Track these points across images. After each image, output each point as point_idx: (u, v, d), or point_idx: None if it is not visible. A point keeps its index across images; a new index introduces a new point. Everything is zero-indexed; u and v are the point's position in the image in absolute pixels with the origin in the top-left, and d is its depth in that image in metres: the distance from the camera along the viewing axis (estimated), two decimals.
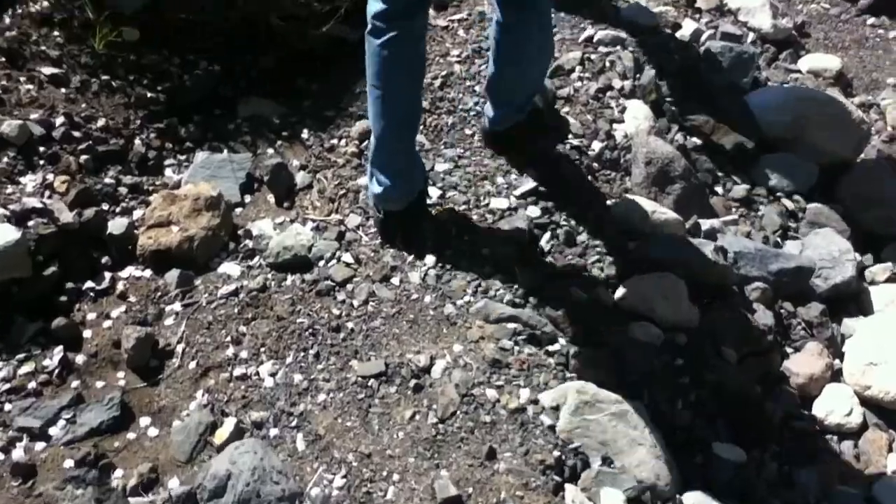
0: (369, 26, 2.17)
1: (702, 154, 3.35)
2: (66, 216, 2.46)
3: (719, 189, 3.28)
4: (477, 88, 3.26)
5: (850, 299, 3.02)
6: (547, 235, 2.71)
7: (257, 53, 3.23)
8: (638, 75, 3.44)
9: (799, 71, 4.02)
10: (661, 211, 2.85)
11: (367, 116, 2.44)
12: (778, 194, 3.35)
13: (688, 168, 3.05)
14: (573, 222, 2.77)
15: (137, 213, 2.66)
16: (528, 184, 2.83)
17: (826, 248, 3.00)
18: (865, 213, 3.33)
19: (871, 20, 4.48)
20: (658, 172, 3.00)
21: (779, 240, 3.15)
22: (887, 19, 4.50)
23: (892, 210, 3.32)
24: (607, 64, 3.44)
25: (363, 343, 2.34)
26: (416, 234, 2.51)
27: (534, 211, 2.76)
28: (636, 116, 3.22)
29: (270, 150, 2.98)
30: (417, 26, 2.20)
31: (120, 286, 2.49)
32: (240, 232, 2.69)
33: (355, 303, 2.44)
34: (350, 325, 2.38)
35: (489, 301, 2.45)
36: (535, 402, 2.23)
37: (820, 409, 2.57)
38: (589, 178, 3.00)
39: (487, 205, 2.76)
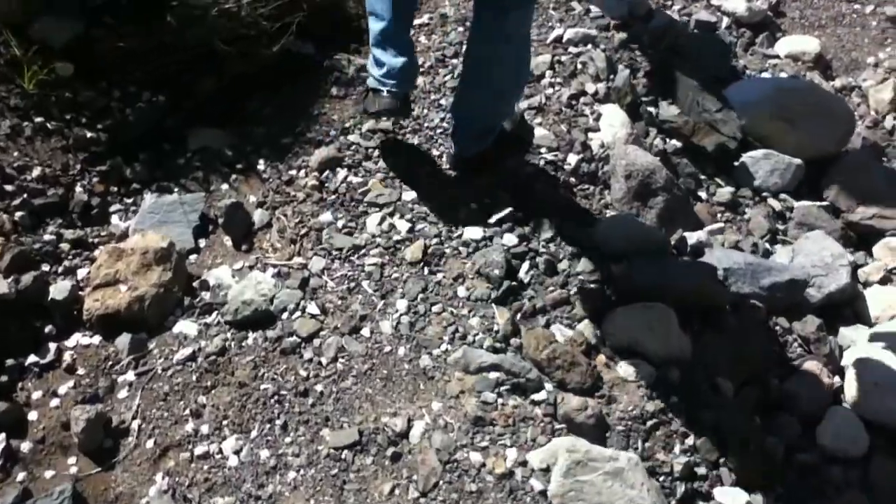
0: None
1: (682, 157, 3.15)
2: (1, 286, 2.21)
3: (703, 194, 3.08)
4: (443, 102, 3.02)
5: (846, 305, 2.83)
6: (526, 266, 2.50)
7: (204, 79, 2.94)
8: (612, 76, 3.21)
9: (777, 56, 3.81)
10: (644, 229, 2.64)
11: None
12: (764, 194, 3.16)
13: (669, 178, 2.84)
14: (553, 248, 2.56)
15: (82, 273, 2.42)
16: (503, 209, 2.61)
17: (818, 254, 2.81)
18: (855, 209, 3.13)
19: None
20: (639, 186, 2.79)
21: (768, 245, 2.96)
22: None
23: (881, 203, 3.13)
24: (579, 66, 3.21)
25: (334, 408, 2.13)
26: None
27: (510, 239, 2.54)
28: (612, 123, 3.00)
29: (225, 186, 2.73)
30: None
31: (67, 357, 2.26)
32: (195, 284, 2.45)
33: (323, 360, 2.23)
34: (319, 387, 2.16)
35: (468, 348, 2.24)
36: (524, 463, 2.03)
37: (823, 435, 2.39)
38: (566, 194, 2.77)
39: (460, 236, 2.54)
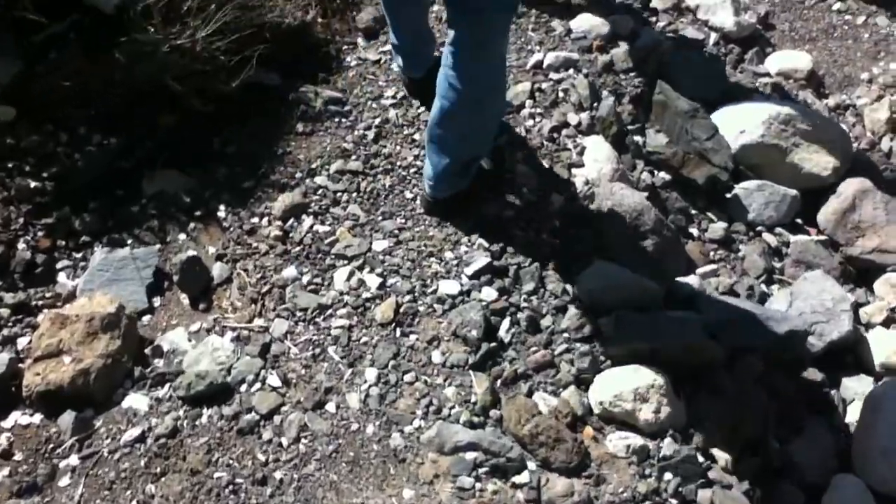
0: None
1: (672, 191, 2.92)
2: None
3: (694, 230, 2.86)
4: (417, 137, 2.79)
5: (847, 350, 2.62)
6: (506, 323, 2.27)
7: (161, 116, 2.69)
8: (595, 104, 2.97)
9: (768, 73, 3.58)
10: (633, 279, 2.42)
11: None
12: (758, 229, 2.94)
13: (659, 219, 2.62)
14: (535, 302, 2.33)
15: (23, 342, 2.18)
16: (481, 259, 2.39)
17: (818, 298, 2.60)
18: (854, 242, 2.91)
19: (836, 5, 4.05)
20: (630, 229, 2.56)
21: (764, 287, 2.75)
22: (853, 3, 4.05)
23: (881, 235, 2.92)
24: (560, 94, 2.98)
25: (295, 498, 1.90)
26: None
27: (489, 293, 2.32)
28: (597, 158, 2.77)
29: (182, 236, 2.49)
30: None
31: (3, 440, 2.02)
32: (148, 350, 2.22)
33: (284, 441, 2.00)
34: (278, 474, 1.94)
35: (443, 424, 2.02)
36: None
37: None
38: (549, 239, 2.54)
39: (435, 291, 2.32)
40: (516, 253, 2.46)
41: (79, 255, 2.44)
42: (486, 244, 2.45)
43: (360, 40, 3.24)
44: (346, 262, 2.38)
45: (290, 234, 2.46)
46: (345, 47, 3.22)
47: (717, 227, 2.88)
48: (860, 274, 2.94)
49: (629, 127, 3.04)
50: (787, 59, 3.65)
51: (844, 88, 3.69)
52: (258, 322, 2.25)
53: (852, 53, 3.84)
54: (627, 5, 3.58)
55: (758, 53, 3.69)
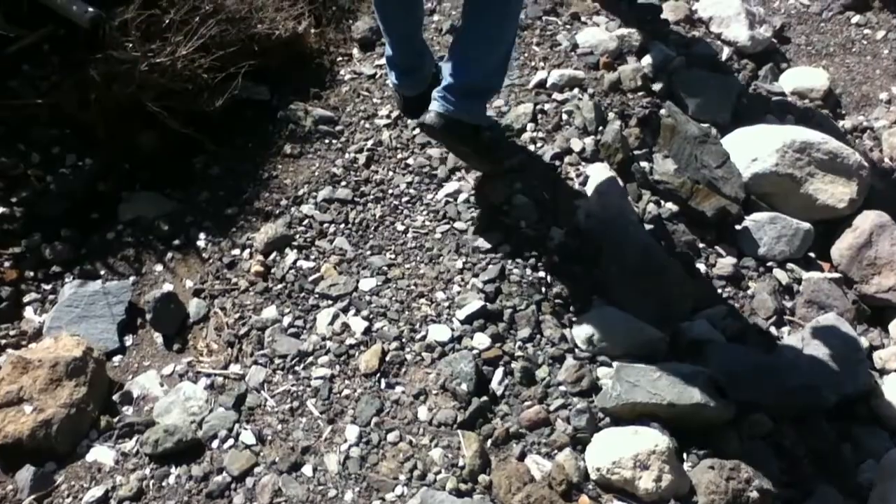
0: None
1: (679, 223, 2.72)
2: None
3: (702, 266, 2.66)
4: (410, 161, 2.60)
5: (861, 400, 2.44)
6: (499, 374, 2.10)
7: (143, 134, 2.51)
8: (600, 128, 2.77)
9: (782, 92, 3.37)
10: (635, 327, 2.24)
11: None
12: (769, 264, 2.74)
13: (664, 256, 2.43)
14: (531, 350, 2.16)
15: None
16: (474, 302, 2.21)
17: (831, 346, 2.41)
18: (869, 280, 2.72)
19: (855, 18, 3.82)
20: (632, 272, 2.39)
21: (774, 329, 2.57)
22: (873, 17, 3.83)
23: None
24: (564, 116, 2.77)
25: None
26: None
27: (481, 340, 2.14)
28: (601, 190, 2.57)
29: (159, 268, 2.32)
30: None
31: None
32: (116, 397, 2.06)
33: None
34: None
35: (427, 492, 1.85)
36: None
37: None
38: (548, 278, 2.36)
39: (424, 337, 2.14)
40: (511, 294, 2.27)
41: (48, 287, 2.27)
42: (479, 284, 2.27)
43: (355, 51, 3.05)
44: (330, 302, 2.20)
45: (272, 270, 2.28)
46: (339, 59, 3.02)
47: (726, 263, 2.69)
48: (875, 313, 2.75)
49: (635, 152, 2.84)
50: (802, 77, 3.44)
51: (862, 109, 3.48)
52: (234, 368, 2.07)
53: (871, 71, 3.63)
54: (638, 17, 3.36)
55: (772, 69, 3.49)
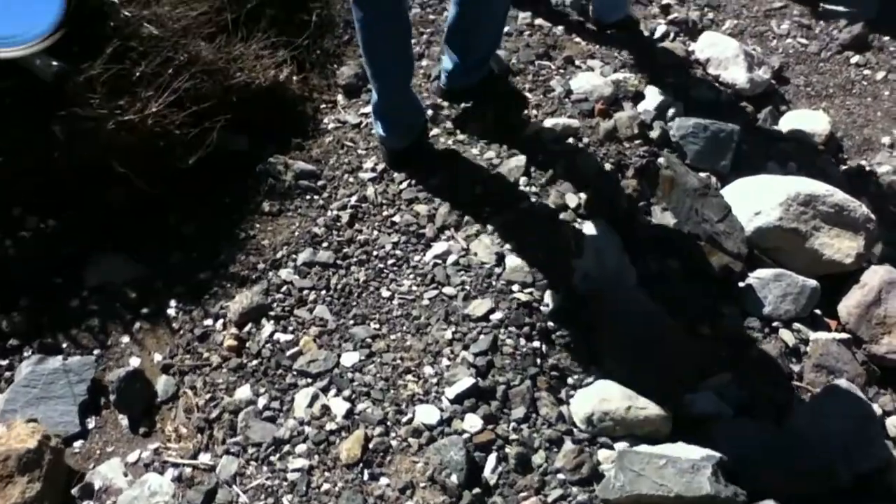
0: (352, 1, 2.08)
1: (681, 281, 2.53)
2: None
3: (705, 328, 2.47)
4: (397, 219, 2.41)
5: (875, 474, 2.25)
6: (492, 460, 1.91)
7: (112, 190, 2.31)
8: (596, 180, 2.59)
9: (783, 137, 3.19)
10: (637, 404, 2.04)
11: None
12: (775, 324, 2.55)
13: (666, 321, 2.24)
14: (526, 432, 1.96)
15: None
16: (464, 379, 2.01)
17: (845, 418, 2.22)
18: (879, 339, 2.54)
19: (854, 58, 3.66)
20: (631, 342, 2.20)
21: (782, 396, 2.36)
22: (872, 57, 3.67)
23: None
24: (559, 170, 2.58)
25: None
26: (421, 162, 2.47)
27: (472, 421, 1.95)
28: (598, 249, 2.40)
29: (126, 339, 2.12)
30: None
31: None
32: (76, 491, 1.86)
33: None
34: None
35: None
36: None
37: None
38: (543, 347, 2.16)
39: (411, 420, 1.94)
40: (504, 368, 2.08)
41: (4, 363, 2.07)
42: (470, 357, 2.08)
43: (339, 98, 2.86)
44: (309, 380, 2.00)
45: (247, 343, 2.08)
46: (322, 106, 2.83)
47: (730, 325, 2.49)
48: (886, 374, 2.57)
49: (633, 204, 2.65)
50: (803, 121, 3.27)
51: (864, 153, 3.31)
52: (204, 458, 1.87)
53: (872, 113, 3.46)
54: (632, 58, 3.18)
55: (772, 112, 3.32)
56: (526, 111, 2.70)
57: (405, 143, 2.44)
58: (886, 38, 3.72)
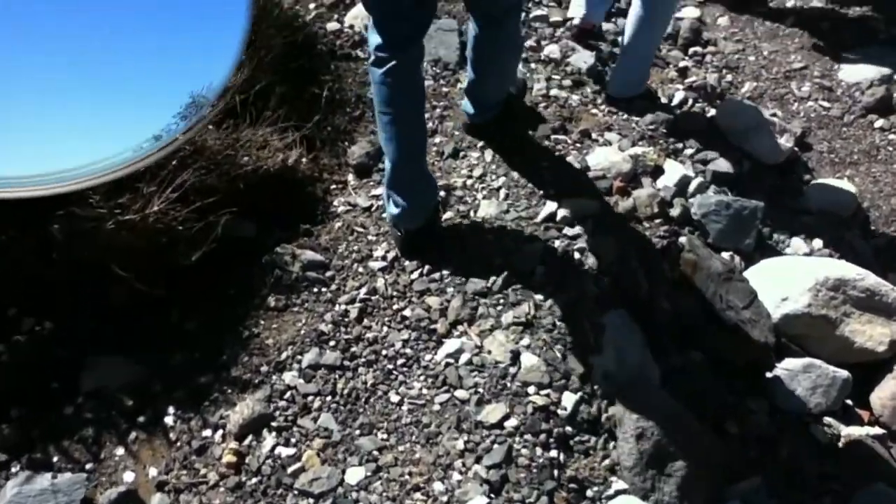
0: (371, 57, 2.14)
1: (705, 374, 2.34)
2: None
3: (732, 426, 2.27)
4: (408, 313, 2.26)
5: None
6: None
7: (112, 288, 2.16)
8: (617, 267, 2.42)
9: (808, 211, 3.01)
10: None
11: (380, 144, 2.33)
12: (805, 419, 2.35)
13: (693, 434, 2.04)
14: None
15: None
16: (476, 498, 1.83)
17: None
18: None
19: (878, 122, 3.48)
20: (654, 448, 2.00)
21: (815, 501, 2.16)
22: None
23: None
24: (576, 255, 2.41)
25: None
26: (433, 244, 2.40)
27: None
28: (619, 345, 2.22)
29: (120, 451, 1.97)
30: (414, 56, 2.18)
31: None
32: None
33: None
34: None
35: None
36: None
37: None
38: (560, 454, 1.98)
39: None
40: (520, 483, 1.90)
41: None
42: (483, 472, 1.90)
43: (350, 178, 2.72)
44: (311, 501, 1.83)
45: (247, 459, 1.91)
46: (333, 187, 2.69)
47: (758, 421, 2.30)
48: None
49: (654, 291, 2.47)
50: (828, 193, 3.10)
51: (892, 225, 3.11)
52: None
53: None
54: (651, 128, 3.02)
55: (795, 182, 3.13)
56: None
57: (418, 222, 2.34)
58: None
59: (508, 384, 2.11)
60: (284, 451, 1.94)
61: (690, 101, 3.29)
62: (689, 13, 3.89)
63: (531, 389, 2.11)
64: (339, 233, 2.50)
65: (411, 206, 2.29)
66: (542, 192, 2.65)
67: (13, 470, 1.93)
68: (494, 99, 2.67)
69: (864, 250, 2.91)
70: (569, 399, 2.12)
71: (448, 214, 2.53)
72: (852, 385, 2.47)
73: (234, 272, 2.36)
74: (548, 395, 2.11)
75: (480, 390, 2.08)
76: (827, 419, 2.41)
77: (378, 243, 2.46)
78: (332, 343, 2.17)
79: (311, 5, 3.25)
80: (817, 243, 2.88)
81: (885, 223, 3.14)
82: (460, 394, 2.08)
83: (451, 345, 2.19)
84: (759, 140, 3.14)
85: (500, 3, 2.26)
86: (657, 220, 2.70)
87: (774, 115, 3.39)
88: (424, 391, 2.09)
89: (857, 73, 3.60)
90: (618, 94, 3.03)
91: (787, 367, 2.43)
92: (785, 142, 3.21)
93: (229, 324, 2.23)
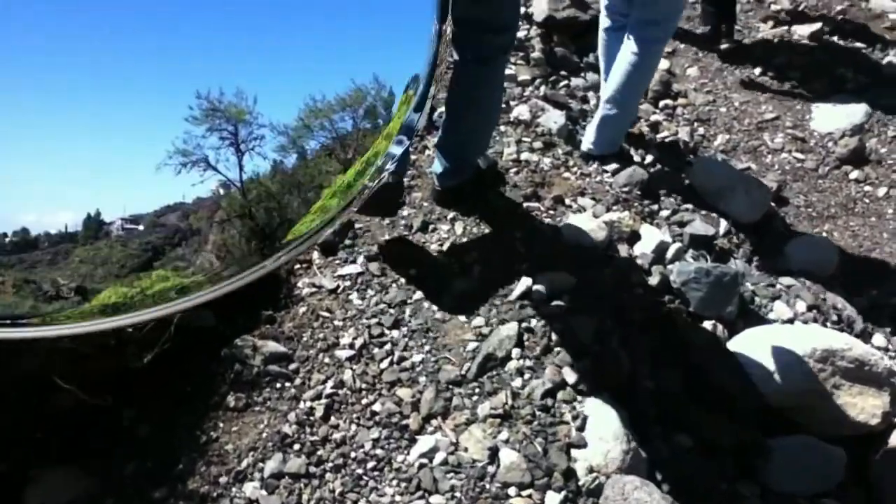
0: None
1: (695, 457, 2.18)
2: None
3: None
4: (377, 408, 2.07)
5: None
6: None
7: (59, 394, 1.96)
8: (597, 346, 2.26)
9: (788, 271, 2.88)
10: None
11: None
12: (799, 501, 2.19)
13: None
14: None
15: None
16: None
17: None
18: None
19: (853, 173, 3.38)
20: None
21: None
22: (871, 172, 3.39)
23: None
24: (554, 336, 2.25)
25: None
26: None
27: None
28: (602, 435, 2.06)
29: None
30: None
31: None
32: None
33: None
34: None
35: None
36: None
37: None
38: None
39: None
40: None
41: None
42: None
43: (315, 256, 2.54)
44: None
45: None
46: (296, 266, 2.51)
47: None
48: None
49: (640, 369, 2.32)
50: (808, 251, 2.98)
51: (875, 282, 2.99)
52: None
53: (878, 234, 3.17)
54: (625, 191, 2.89)
55: (775, 240, 3.00)
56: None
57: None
58: (884, 151, 3.45)
59: (487, 485, 1.94)
60: None
61: (664, 161, 3.18)
62: (659, 65, 3.80)
63: (512, 491, 1.94)
64: (303, 318, 2.33)
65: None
66: (515, 266, 2.49)
67: None
68: (469, 151, 2.54)
69: (849, 312, 2.78)
70: (552, 499, 1.95)
71: (418, 294, 2.36)
72: (847, 460, 2.32)
73: (191, 366, 2.18)
74: (530, 497, 1.94)
75: (458, 494, 1.91)
76: (824, 501, 2.25)
77: (345, 329, 2.29)
78: (296, 447, 1.99)
79: None
80: (801, 306, 2.74)
81: (869, 280, 3.02)
82: (436, 500, 1.90)
83: (424, 443, 2.02)
84: (734, 199, 3.03)
85: (494, 41, 2.15)
86: (636, 291, 2.55)
87: (748, 168, 3.28)
88: (397, 498, 1.91)
89: (829, 123, 3.51)
90: (598, 151, 2.90)
91: (778, 446, 2.27)
92: (761, 198, 3.10)
93: (186, 427, 2.05)
